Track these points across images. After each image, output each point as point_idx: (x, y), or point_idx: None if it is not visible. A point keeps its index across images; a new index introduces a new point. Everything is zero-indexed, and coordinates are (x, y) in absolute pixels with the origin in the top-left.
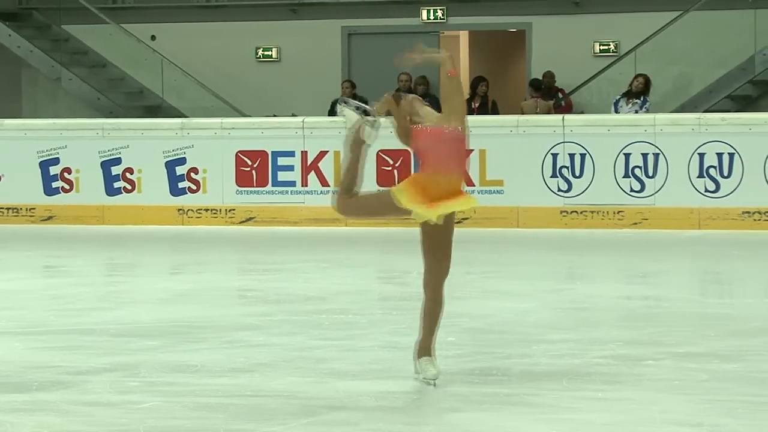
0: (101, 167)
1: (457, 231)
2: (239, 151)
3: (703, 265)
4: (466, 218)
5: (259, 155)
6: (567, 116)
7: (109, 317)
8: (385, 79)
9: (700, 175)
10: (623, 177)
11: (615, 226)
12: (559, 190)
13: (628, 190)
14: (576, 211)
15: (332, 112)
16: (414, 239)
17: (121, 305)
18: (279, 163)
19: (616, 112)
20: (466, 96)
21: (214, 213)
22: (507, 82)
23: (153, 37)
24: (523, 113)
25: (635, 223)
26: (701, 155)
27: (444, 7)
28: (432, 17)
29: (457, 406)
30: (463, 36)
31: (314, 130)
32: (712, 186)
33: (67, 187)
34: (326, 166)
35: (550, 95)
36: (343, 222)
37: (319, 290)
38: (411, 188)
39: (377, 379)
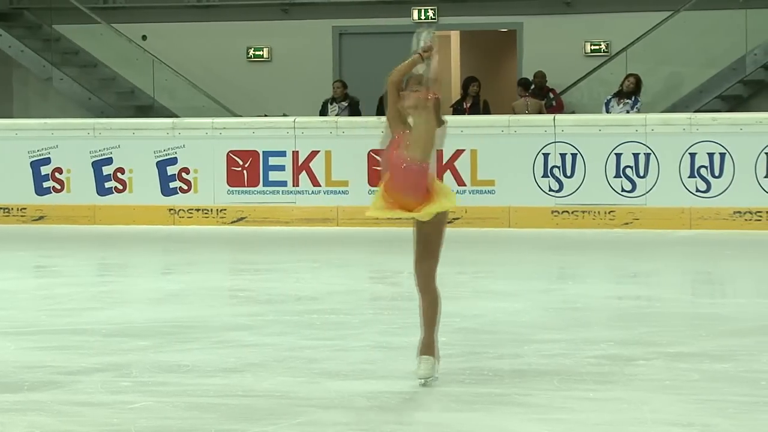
0: (92, 167)
1: (449, 231)
2: (230, 151)
3: (694, 265)
4: (457, 218)
5: (250, 155)
6: (558, 116)
7: (100, 317)
8: (377, 79)
9: (692, 175)
10: (614, 177)
11: (606, 226)
12: (551, 190)
13: (619, 190)
14: (567, 211)
15: (323, 112)
16: (404, 239)
17: (113, 305)
18: (270, 163)
19: (608, 112)
20: (458, 97)
21: (206, 213)
22: (498, 82)
23: (144, 37)
24: (514, 113)
25: (626, 223)
26: (692, 155)
27: (435, 7)
28: (423, 17)
29: (449, 406)
30: (455, 36)
31: (305, 130)
32: (703, 186)
33: (58, 187)
34: (317, 166)
35: (542, 95)
36: (335, 222)
37: (310, 290)
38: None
39: (369, 379)
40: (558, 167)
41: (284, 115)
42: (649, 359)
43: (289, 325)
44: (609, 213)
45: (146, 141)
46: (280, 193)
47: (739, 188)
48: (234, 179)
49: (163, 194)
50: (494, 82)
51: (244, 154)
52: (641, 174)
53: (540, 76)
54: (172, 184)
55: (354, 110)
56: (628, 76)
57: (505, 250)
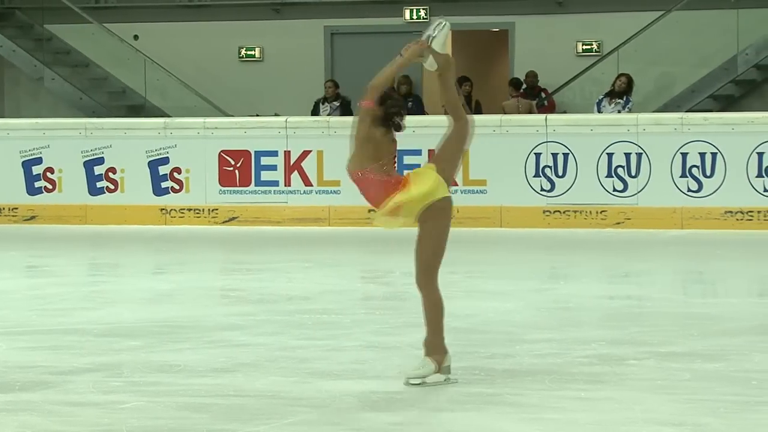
0: (84, 167)
1: None
2: (222, 151)
3: (685, 264)
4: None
5: (242, 155)
6: (550, 116)
7: (92, 317)
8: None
9: (683, 175)
10: (606, 177)
11: (598, 225)
12: (542, 189)
13: (610, 190)
14: (559, 211)
15: (315, 112)
16: (396, 239)
17: (104, 305)
18: (262, 163)
19: (599, 111)
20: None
21: (197, 213)
22: (490, 82)
23: (136, 37)
24: (504, 113)
25: (618, 223)
26: (684, 155)
27: (427, 7)
28: (415, 17)
29: (441, 405)
30: None
31: (297, 130)
32: (694, 185)
33: (49, 186)
34: (309, 165)
35: (533, 95)
36: (327, 222)
37: (302, 290)
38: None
39: (360, 379)
40: (550, 167)
41: (276, 114)
42: (641, 359)
43: (281, 324)
44: (601, 213)
45: (138, 141)
46: (272, 192)
47: (730, 188)
48: (226, 179)
49: (154, 194)
50: (486, 82)
51: (236, 154)
52: (633, 174)
53: (532, 76)
54: (163, 184)
55: (346, 110)
56: (619, 75)
57: (497, 250)
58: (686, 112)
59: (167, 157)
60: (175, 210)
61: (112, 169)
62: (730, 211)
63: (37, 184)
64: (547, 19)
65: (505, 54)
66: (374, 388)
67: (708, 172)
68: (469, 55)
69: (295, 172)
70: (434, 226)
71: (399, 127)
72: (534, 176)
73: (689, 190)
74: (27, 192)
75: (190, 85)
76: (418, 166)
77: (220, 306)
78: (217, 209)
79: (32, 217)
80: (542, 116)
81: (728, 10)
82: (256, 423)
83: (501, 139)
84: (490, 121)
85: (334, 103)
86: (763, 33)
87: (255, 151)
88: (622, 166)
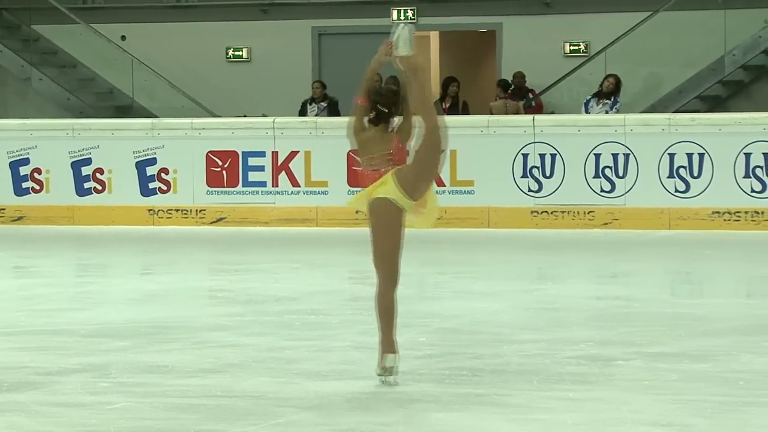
0: (71, 167)
1: (429, 232)
2: (210, 152)
3: (673, 265)
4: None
5: (229, 155)
6: (537, 116)
7: (79, 318)
8: (356, 79)
9: (671, 176)
10: (594, 177)
11: (585, 226)
12: (530, 190)
13: (598, 191)
14: (547, 212)
15: (303, 112)
16: None
17: (92, 306)
18: (249, 164)
19: (587, 112)
20: (436, 97)
21: (185, 213)
22: (477, 82)
23: (123, 38)
24: (492, 114)
25: (606, 224)
26: (671, 155)
27: (414, 8)
28: (402, 17)
29: (428, 406)
30: (434, 36)
31: (285, 131)
32: (682, 186)
33: (37, 187)
34: (297, 166)
35: (521, 95)
36: (314, 222)
37: (289, 290)
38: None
39: (348, 380)
40: (537, 168)
41: (263, 115)
42: (629, 359)
43: (269, 325)
44: (588, 213)
45: (125, 141)
46: (260, 193)
47: (717, 188)
48: (213, 179)
49: (142, 195)
50: (473, 83)
51: (224, 155)
52: (620, 174)
53: (519, 77)
54: (151, 185)
55: (333, 110)
56: (607, 76)
57: (485, 251)
58: (674, 112)
59: (155, 158)
60: (162, 210)
61: (100, 170)
62: (718, 212)
63: (24, 185)
64: (534, 20)
65: (493, 55)
66: (362, 389)
67: (695, 173)
68: (456, 56)
69: (283, 172)
70: (370, 224)
71: (385, 119)
72: (522, 177)
73: (677, 190)
74: (14, 193)
75: (178, 86)
76: None
77: (207, 307)
78: (204, 210)
79: (20, 218)
80: (530, 117)
81: (716, 11)
82: (244, 423)
83: (488, 140)
84: (478, 121)
85: (322, 103)
86: (751, 34)
87: (242, 152)
88: (610, 167)
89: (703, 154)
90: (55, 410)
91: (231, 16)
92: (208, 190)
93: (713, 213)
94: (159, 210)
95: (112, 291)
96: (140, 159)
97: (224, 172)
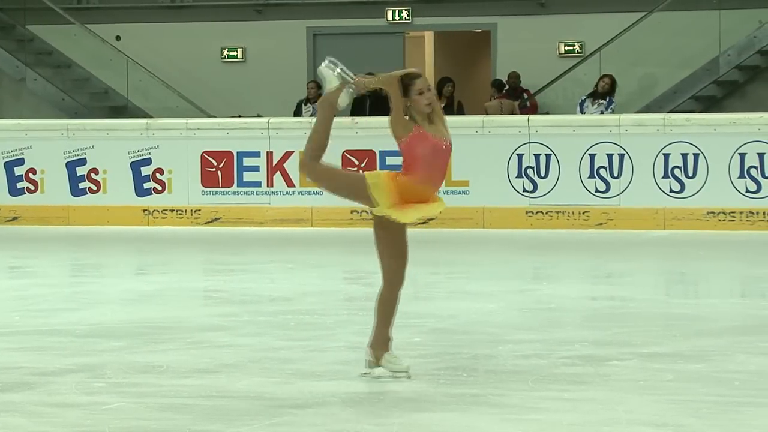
0: (66, 168)
1: (423, 232)
2: (204, 152)
3: (668, 265)
4: (431, 218)
5: (224, 156)
6: (532, 117)
7: (74, 318)
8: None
9: (665, 176)
10: (588, 177)
11: (580, 226)
12: (525, 190)
13: (593, 191)
14: (541, 212)
15: (298, 112)
16: None
17: (87, 306)
18: (244, 164)
19: (582, 112)
20: None
21: (180, 213)
22: (472, 82)
23: (118, 38)
24: (487, 114)
25: (600, 224)
26: (666, 156)
27: (409, 8)
28: (397, 18)
29: (423, 406)
30: (429, 36)
31: (280, 131)
32: (677, 186)
33: (31, 187)
34: (292, 166)
35: (516, 96)
36: (309, 222)
37: (284, 291)
38: (389, 188)
39: (343, 380)
40: (532, 168)
41: (258, 115)
42: (623, 359)
43: (264, 325)
44: (583, 213)
45: (120, 142)
46: (255, 193)
47: (712, 189)
48: (208, 180)
49: (137, 195)
50: (468, 83)
51: (219, 155)
52: (615, 174)
53: (514, 77)
54: (146, 185)
55: None
56: (603, 76)
57: (480, 251)
58: (668, 112)
59: (149, 158)
60: (157, 211)
61: (95, 170)
62: (713, 212)
63: (19, 185)
64: (529, 20)
65: (488, 55)
66: (357, 389)
67: (690, 173)
68: (451, 56)
69: (278, 172)
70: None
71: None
72: (516, 177)
73: (671, 190)
74: (9, 193)
75: (173, 86)
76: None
77: (202, 307)
78: (199, 210)
79: (14, 218)
80: (525, 117)
81: (710, 11)
82: (239, 424)
83: (483, 140)
84: (473, 122)
85: (317, 104)
86: (745, 34)
87: (237, 152)
88: (605, 167)
89: (698, 154)
90: (50, 410)
91: (226, 17)
92: (203, 191)
93: (708, 213)
94: (154, 210)
95: (107, 291)
96: (135, 159)
97: (219, 172)
